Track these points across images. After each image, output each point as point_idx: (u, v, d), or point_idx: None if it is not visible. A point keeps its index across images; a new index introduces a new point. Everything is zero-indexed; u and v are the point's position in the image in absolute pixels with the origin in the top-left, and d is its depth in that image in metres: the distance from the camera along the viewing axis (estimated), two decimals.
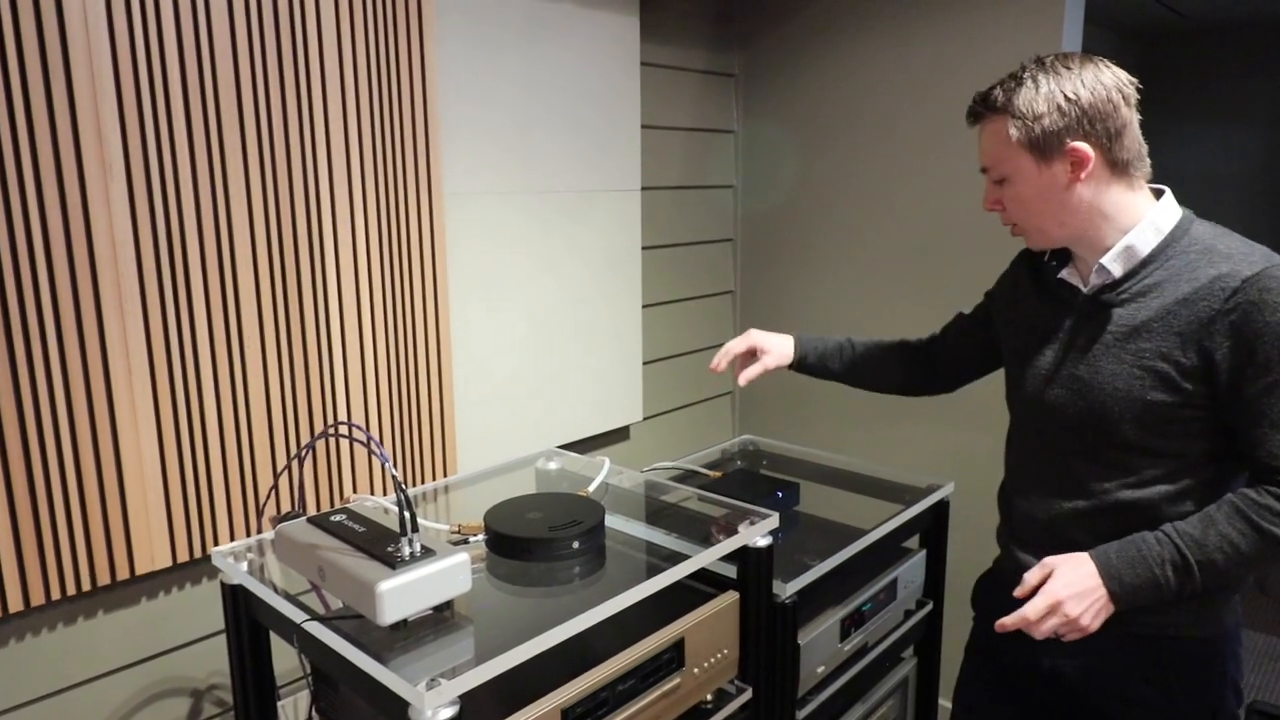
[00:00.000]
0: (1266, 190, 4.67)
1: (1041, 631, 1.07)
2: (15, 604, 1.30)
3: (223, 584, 1.26)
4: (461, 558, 1.07)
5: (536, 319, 2.04)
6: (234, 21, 1.42)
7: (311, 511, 1.60)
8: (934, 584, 1.80)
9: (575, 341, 2.14)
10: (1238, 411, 1.06)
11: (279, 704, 1.40)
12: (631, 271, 2.27)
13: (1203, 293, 1.06)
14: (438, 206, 1.75)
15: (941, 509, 1.79)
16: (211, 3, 1.38)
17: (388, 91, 1.64)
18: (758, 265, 2.66)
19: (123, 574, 1.41)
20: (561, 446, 2.11)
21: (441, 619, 1.10)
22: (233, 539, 1.52)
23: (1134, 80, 1.14)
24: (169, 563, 1.45)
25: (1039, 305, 1.26)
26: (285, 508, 1.57)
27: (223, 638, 1.48)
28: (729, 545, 1.32)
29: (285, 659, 1.51)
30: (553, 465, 1.75)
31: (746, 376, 1.53)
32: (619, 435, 2.37)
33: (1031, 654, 1.26)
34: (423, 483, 1.79)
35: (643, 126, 2.28)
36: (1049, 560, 1.11)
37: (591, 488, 1.55)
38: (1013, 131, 1.11)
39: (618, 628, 1.22)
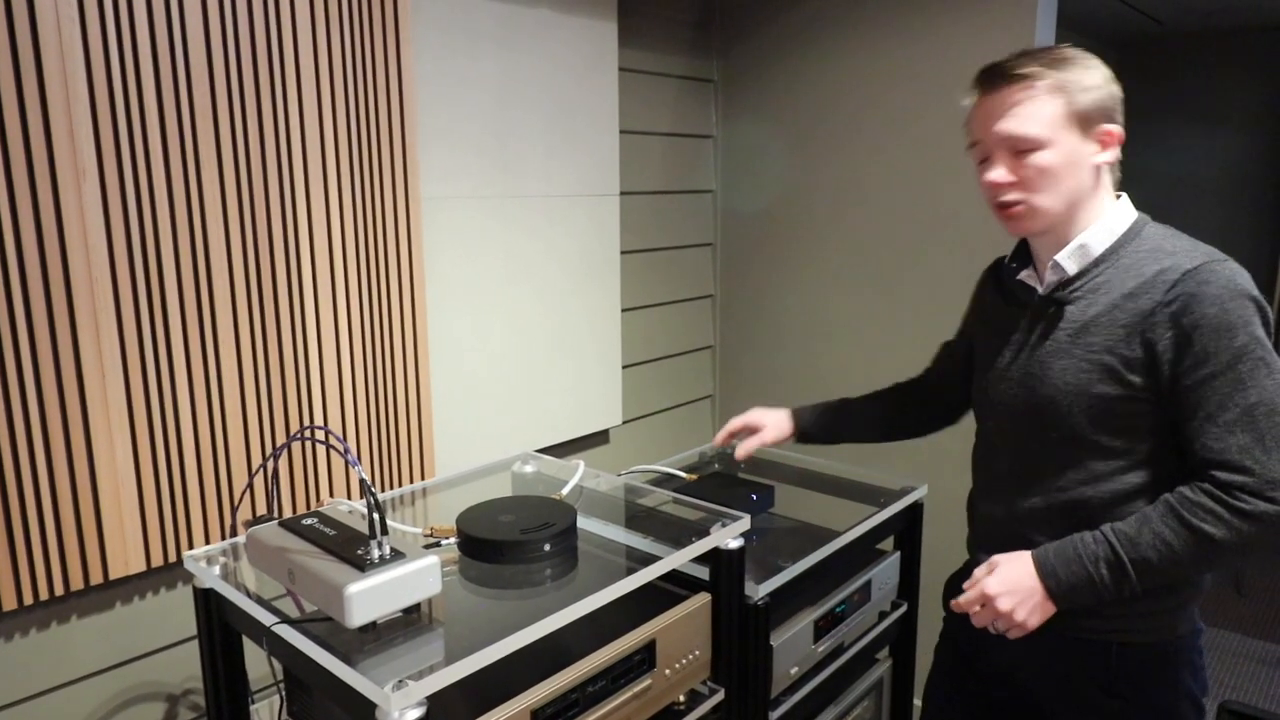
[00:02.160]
0: (1244, 193, 4.72)
1: (978, 623, 1.11)
2: None
3: (195, 588, 1.26)
4: (431, 560, 1.08)
5: (515, 323, 2.05)
6: (208, 24, 1.42)
7: (288, 516, 1.60)
8: (908, 585, 1.82)
9: (554, 345, 2.15)
10: (1177, 404, 1.07)
11: (252, 708, 1.40)
12: (610, 276, 2.28)
13: (1146, 286, 1.08)
14: (415, 211, 1.76)
15: (915, 511, 1.80)
16: (186, 6, 1.39)
17: (364, 95, 1.65)
18: (737, 269, 2.68)
19: (96, 578, 1.41)
20: (541, 450, 2.12)
21: (411, 621, 1.11)
22: (208, 543, 1.52)
23: None
24: (143, 567, 1.45)
25: (1002, 309, 1.29)
26: (261, 512, 1.57)
27: (196, 643, 1.48)
28: (700, 547, 1.33)
29: (261, 664, 1.51)
30: (529, 469, 1.75)
31: (745, 450, 1.60)
32: (598, 439, 2.38)
33: (992, 656, 1.28)
34: (399, 486, 1.79)
35: (621, 131, 2.29)
36: (995, 558, 1.14)
37: (565, 490, 1.56)
38: (1069, 96, 1.11)
39: (589, 629, 1.23)
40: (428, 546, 1.34)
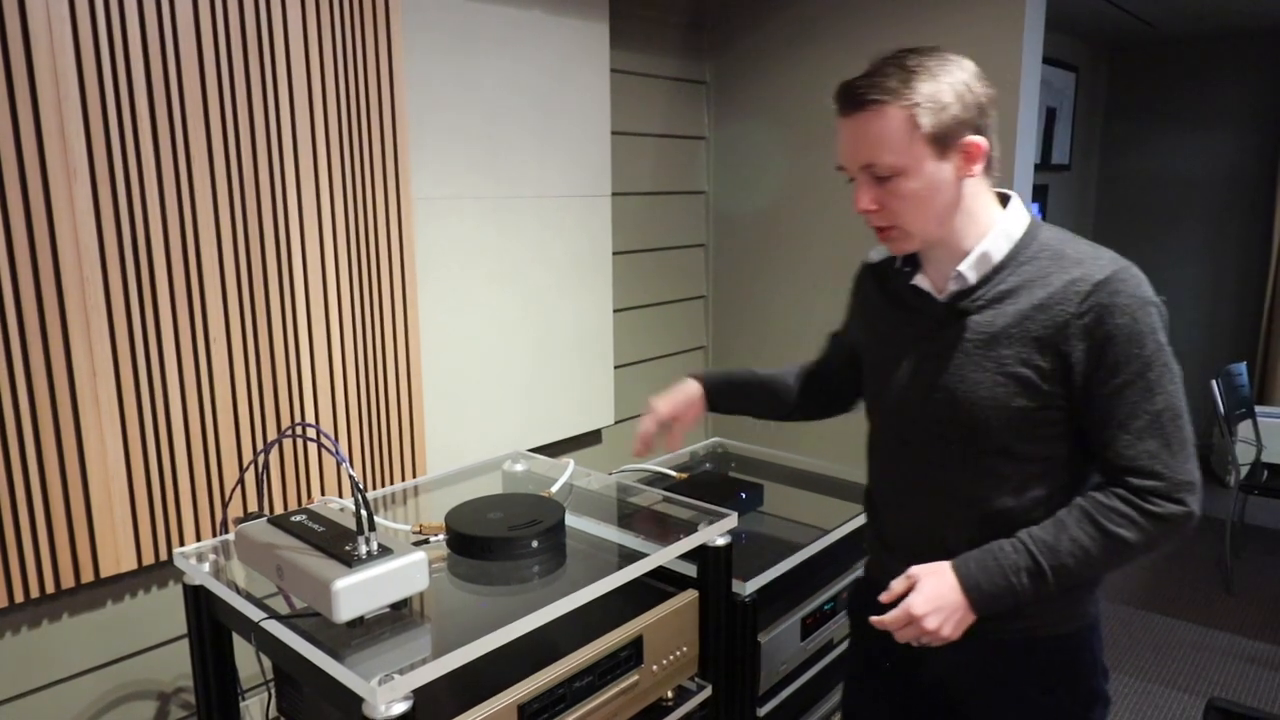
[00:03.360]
0: (1234, 195, 4.75)
1: (901, 639, 1.10)
2: None
3: (185, 585, 1.27)
4: (418, 556, 1.08)
5: (507, 323, 2.06)
6: (199, 22, 1.43)
7: (278, 513, 1.61)
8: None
9: (546, 346, 2.16)
10: (1089, 411, 1.07)
11: (243, 705, 1.41)
12: (603, 276, 2.29)
13: (1057, 297, 1.07)
14: (407, 212, 1.77)
15: None
16: (177, 9, 1.40)
17: (355, 98, 1.66)
18: (730, 270, 2.69)
19: (87, 577, 1.41)
20: (533, 450, 2.13)
21: (399, 617, 1.12)
22: (198, 541, 1.52)
23: None
24: (134, 565, 1.46)
25: (893, 315, 1.24)
26: (252, 510, 1.58)
27: (187, 640, 1.48)
28: (687, 544, 1.34)
29: (252, 662, 1.52)
30: (519, 467, 1.76)
31: (677, 440, 1.49)
32: (591, 438, 2.39)
33: (907, 661, 1.27)
34: (390, 484, 1.80)
35: (614, 133, 2.30)
36: (913, 571, 1.12)
37: (554, 489, 1.57)
38: (921, 121, 1.05)
39: (577, 625, 1.24)
40: (417, 543, 1.35)
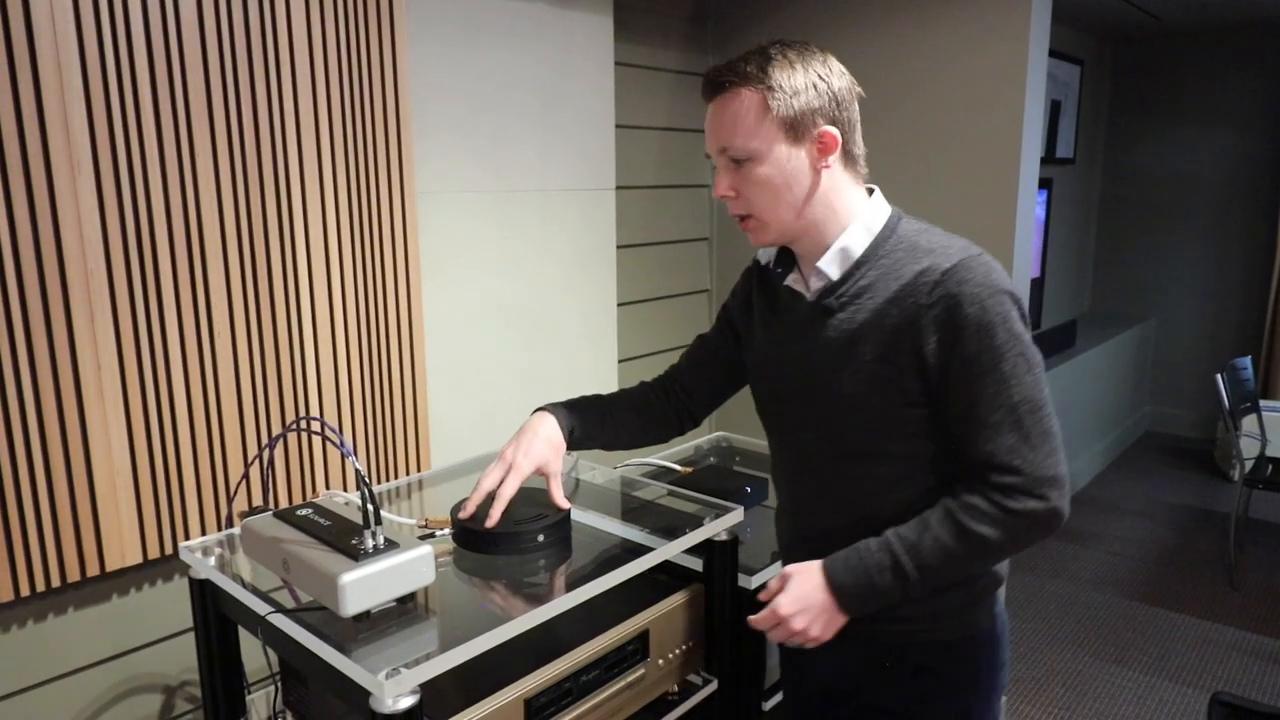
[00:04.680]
0: (1239, 188, 4.73)
1: (773, 639, 1.10)
2: None
3: (190, 579, 1.27)
4: (424, 550, 1.08)
5: (511, 317, 2.05)
6: (203, 16, 1.42)
7: (283, 507, 1.61)
8: None
9: (549, 339, 2.15)
10: (948, 408, 1.05)
11: (249, 699, 1.41)
12: (606, 270, 2.28)
13: (909, 290, 1.05)
14: (410, 206, 1.76)
15: None
16: (180, 5, 1.39)
17: (359, 91, 1.65)
18: (733, 264, 2.69)
19: (93, 570, 1.41)
20: None
21: (405, 610, 1.11)
22: (204, 535, 1.52)
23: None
24: (139, 559, 1.46)
25: (772, 317, 1.21)
26: (257, 503, 1.58)
27: (193, 634, 1.48)
28: (693, 538, 1.34)
29: (258, 656, 1.52)
30: None
31: (561, 499, 1.33)
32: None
33: (803, 666, 1.26)
34: (395, 478, 1.80)
35: (618, 126, 2.30)
36: (786, 570, 1.11)
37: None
38: (773, 105, 1.04)
39: (583, 620, 1.23)
40: (422, 537, 1.34)
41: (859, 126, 1.11)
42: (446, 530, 1.35)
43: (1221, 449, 4.54)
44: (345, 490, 1.71)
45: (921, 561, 1.04)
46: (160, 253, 1.42)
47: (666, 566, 1.39)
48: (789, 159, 1.07)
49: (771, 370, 1.21)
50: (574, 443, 1.35)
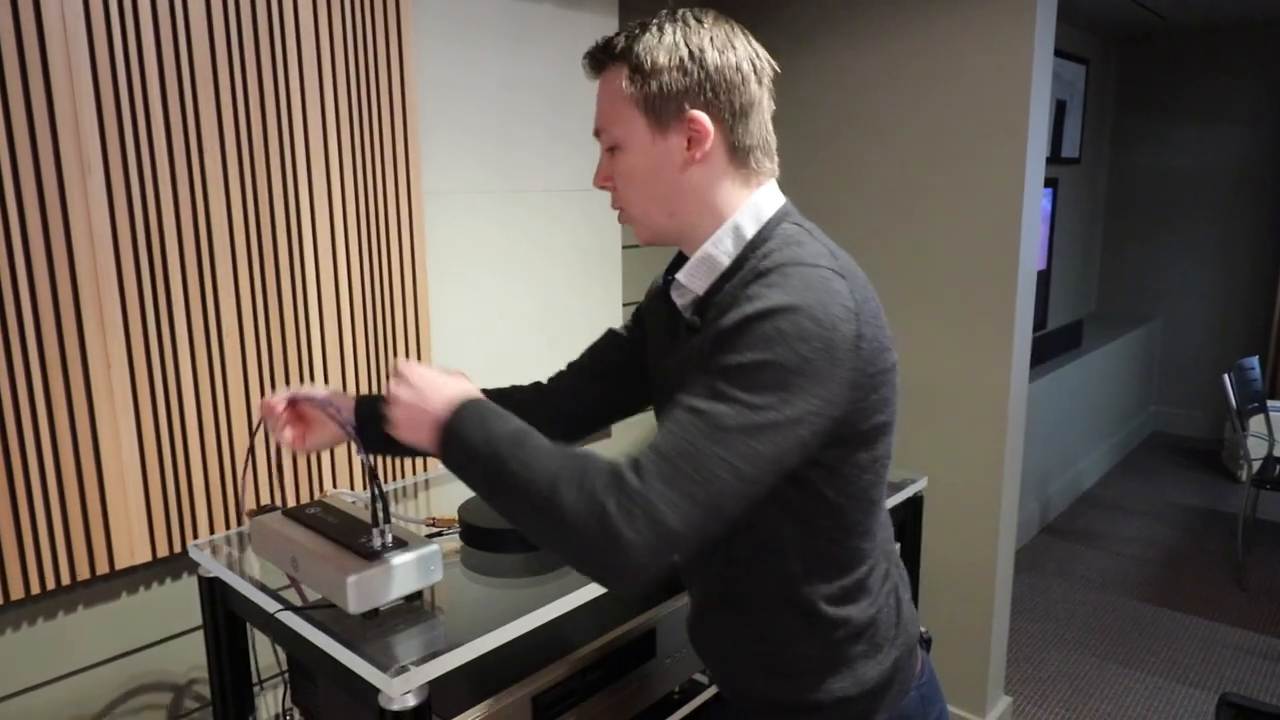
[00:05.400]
0: (1245, 188, 4.72)
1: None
2: None
3: (199, 576, 1.28)
4: (433, 548, 1.09)
5: (516, 317, 2.06)
6: (211, 20, 1.43)
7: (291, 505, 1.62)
8: (909, 577, 1.83)
9: (555, 340, 2.16)
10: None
11: (257, 696, 1.42)
12: (611, 270, 2.29)
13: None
14: (417, 206, 1.77)
15: (915, 503, 1.81)
16: (190, 6, 1.40)
17: (367, 91, 1.66)
18: None
19: (102, 569, 1.42)
20: None
21: (413, 609, 1.12)
22: (212, 534, 1.53)
23: (772, 61, 0.96)
24: (149, 557, 1.47)
25: (660, 326, 1.06)
26: (265, 502, 1.58)
27: (202, 632, 1.49)
28: None
29: (267, 654, 1.53)
30: None
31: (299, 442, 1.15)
32: (600, 432, 2.39)
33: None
34: (401, 478, 1.81)
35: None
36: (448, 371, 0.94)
37: None
38: (625, 85, 0.90)
39: (590, 618, 1.24)
40: (430, 536, 1.35)
41: (758, 113, 0.94)
42: (454, 529, 1.36)
43: (1229, 449, 4.53)
44: (352, 489, 1.72)
45: (506, 457, 0.83)
46: (169, 252, 1.43)
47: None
48: (652, 147, 0.91)
49: (653, 389, 1.09)
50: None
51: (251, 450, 1.54)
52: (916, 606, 1.84)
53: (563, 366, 1.24)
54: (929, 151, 2.22)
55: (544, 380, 1.23)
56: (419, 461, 1.84)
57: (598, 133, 0.97)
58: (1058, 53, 4.12)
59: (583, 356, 1.23)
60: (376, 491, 1.07)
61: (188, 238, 1.45)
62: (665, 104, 0.90)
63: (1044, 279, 4.29)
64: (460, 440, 0.86)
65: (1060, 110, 4.33)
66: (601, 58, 0.94)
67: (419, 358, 1.81)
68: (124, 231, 1.38)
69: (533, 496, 0.81)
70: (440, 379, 0.92)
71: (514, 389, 1.22)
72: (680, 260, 1.01)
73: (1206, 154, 4.78)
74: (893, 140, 2.28)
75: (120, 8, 1.33)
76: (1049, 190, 4.25)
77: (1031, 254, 2.18)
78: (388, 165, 1.71)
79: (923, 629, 1.16)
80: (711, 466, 0.78)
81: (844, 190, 2.40)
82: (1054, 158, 4.33)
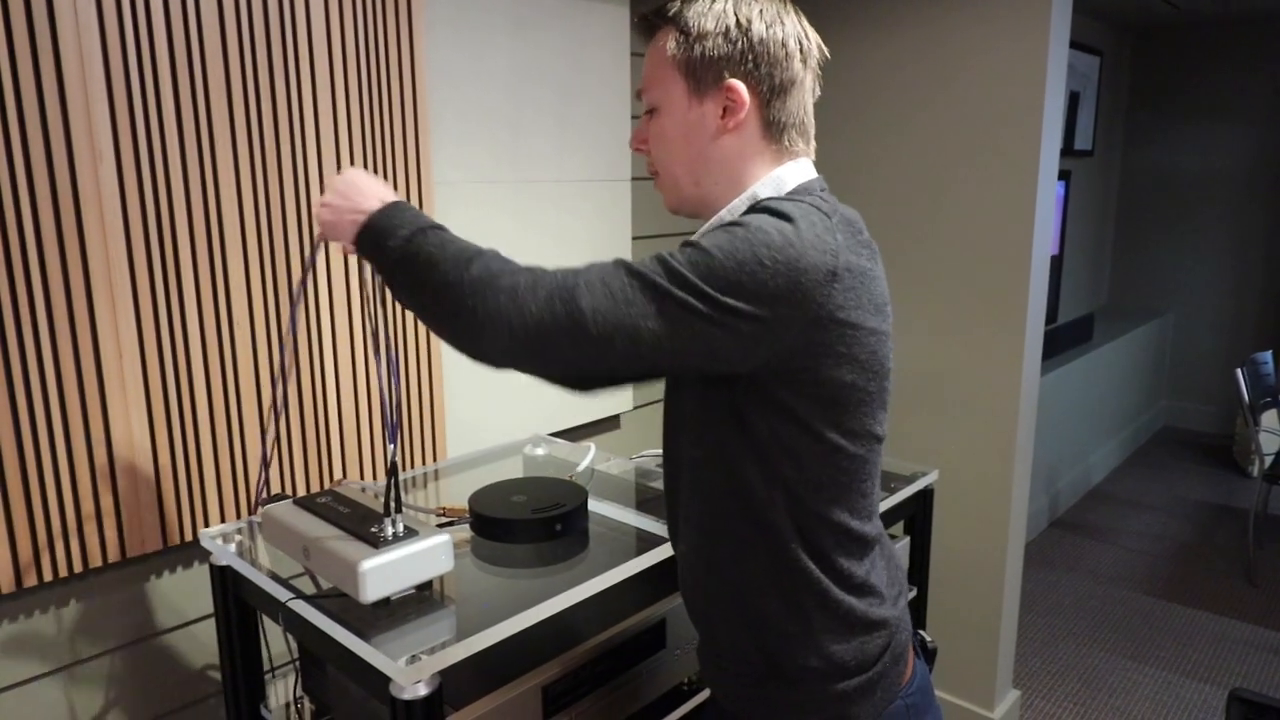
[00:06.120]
0: (1259, 181, 4.68)
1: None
2: (7, 585, 1.32)
3: (211, 565, 1.28)
4: (443, 538, 1.09)
5: None
6: (222, 8, 1.43)
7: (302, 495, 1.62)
8: (918, 570, 1.82)
9: None
10: None
11: (268, 685, 1.42)
12: None
13: None
14: (427, 196, 1.77)
15: (926, 496, 1.80)
16: (202, 4, 1.40)
17: (377, 80, 1.66)
18: None
19: (114, 556, 1.43)
20: (552, 434, 2.13)
21: (424, 598, 1.12)
22: (223, 522, 1.53)
23: (823, 46, 0.97)
24: (160, 546, 1.47)
25: None
26: (276, 491, 1.59)
27: (214, 620, 1.50)
28: None
29: (278, 642, 1.53)
30: (540, 451, 1.77)
31: None
32: (609, 424, 2.39)
33: None
34: (411, 468, 1.81)
35: (633, 117, 2.29)
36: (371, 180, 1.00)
37: (578, 471, 1.57)
38: (671, 46, 0.92)
39: (600, 609, 1.24)
40: (440, 526, 1.35)
41: (798, 92, 0.94)
42: (464, 519, 1.36)
43: (1240, 444, 4.51)
44: (362, 478, 1.72)
45: (426, 240, 0.89)
46: (180, 240, 1.43)
47: None
48: (688, 112, 0.93)
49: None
50: None
51: (273, 436, 1.54)
52: (925, 600, 1.84)
53: None
54: (944, 144, 2.21)
55: None
56: (430, 452, 1.85)
57: (639, 94, 0.99)
58: (1072, 44, 4.08)
59: None
60: (392, 481, 1.07)
61: (199, 226, 1.45)
62: (706, 70, 0.91)
63: (1055, 273, 4.27)
64: (381, 231, 0.92)
65: (1074, 102, 4.29)
66: (654, 20, 0.96)
67: (428, 348, 1.81)
68: (135, 220, 1.38)
69: (448, 268, 0.86)
70: (371, 182, 0.96)
71: None
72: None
73: (1220, 147, 4.74)
74: (907, 133, 2.27)
75: (133, 3, 1.33)
76: (1061, 183, 4.22)
77: (1045, 247, 2.16)
78: (398, 154, 1.71)
79: (928, 638, 1.14)
80: (630, 296, 0.82)
81: (858, 182, 2.38)
82: (1067, 150, 4.30)
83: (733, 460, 0.90)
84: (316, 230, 1.00)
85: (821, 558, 0.92)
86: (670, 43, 0.92)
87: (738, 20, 0.90)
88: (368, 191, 0.97)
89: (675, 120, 0.94)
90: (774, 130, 0.93)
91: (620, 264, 0.85)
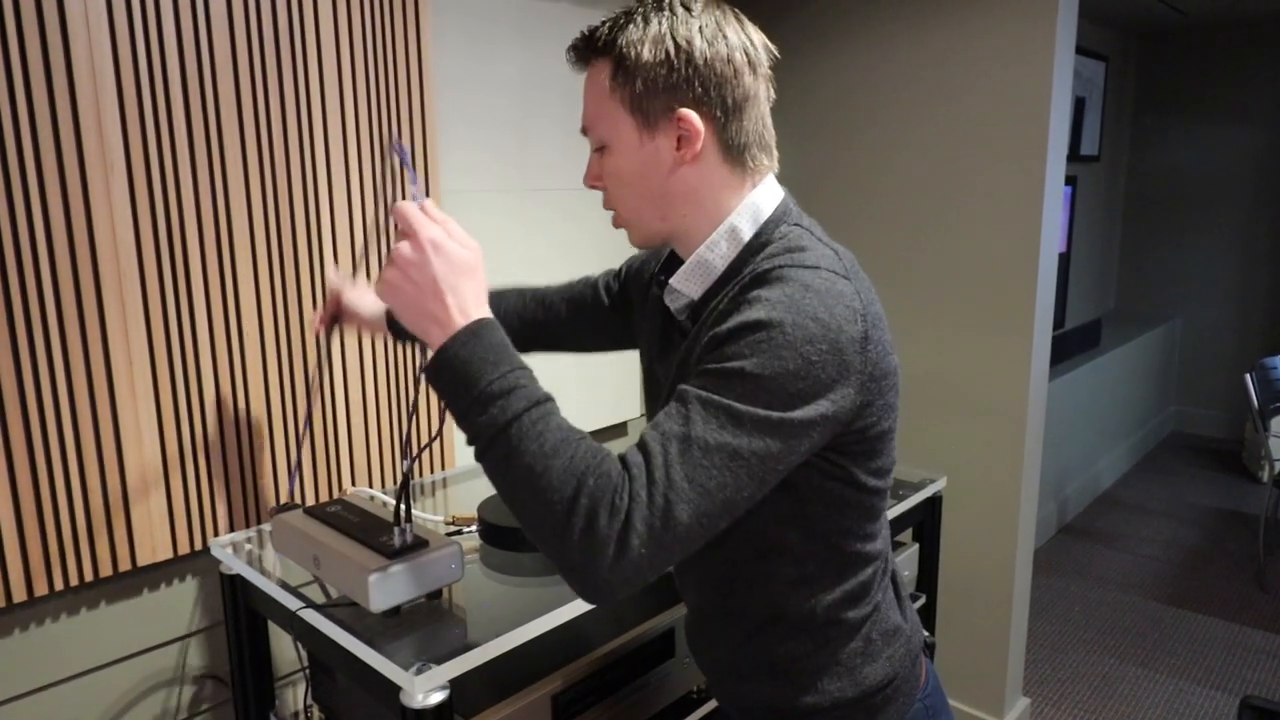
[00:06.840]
0: (1265, 188, 4.67)
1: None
2: (19, 594, 1.33)
3: (221, 574, 1.28)
4: (453, 547, 1.09)
5: None
6: (232, 18, 1.44)
7: (311, 504, 1.62)
8: (928, 577, 1.82)
9: None
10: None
11: (278, 693, 1.42)
12: None
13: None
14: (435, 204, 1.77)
15: (935, 503, 1.80)
16: (212, 10, 1.41)
17: (386, 89, 1.66)
18: None
19: (124, 565, 1.43)
20: None
21: (434, 607, 1.12)
22: (233, 531, 1.54)
23: (770, 46, 0.90)
24: (170, 554, 1.48)
25: (656, 328, 1.01)
26: (285, 500, 1.59)
27: (223, 628, 1.50)
28: None
29: (287, 650, 1.53)
30: None
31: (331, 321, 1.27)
32: (617, 431, 2.39)
33: None
34: (420, 477, 1.81)
35: None
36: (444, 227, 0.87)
37: None
38: (610, 80, 0.84)
39: (609, 617, 1.24)
40: (450, 535, 1.36)
41: (753, 107, 0.87)
42: (473, 527, 1.36)
43: (1249, 450, 4.48)
44: (370, 487, 1.73)
45: (522, 428, 0.79)
46: (190, 251, 1.44)
47: None
48: (641, 149, 0.86)
49: (646, 395, 1.06)
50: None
51: (308, 447, 1.54)
52: (934, 607, 1.84)
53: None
54: (951, 151, 2.21)
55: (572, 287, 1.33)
56: (438, 460, 1.85)
57: (585, 130, 0.91)
58: (1077, 50, 4.08)
59: (566, 293, 1.31)
60: (404, 492, 1.07)
61: (209, 237, 1.46)
62: (651, 103, 0.84)
63: (1062, 277, 4.26)
64: (444, 369, 0.81)
65: (1080, 107, 4.29)
66: (585, 51, 0.88)
67: None
68: (146, 231, 1.39)
69: (528, 475, 0.77)
70: (449, 269, 0.83)
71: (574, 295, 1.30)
72: (672, 260, 0.97)
73: (1226, 152, 4.72)
74: (914, 140, 2.27)
75: (143, 9, 1.34)
76: (1068, 188, 4.22)
77: (1052, 253, 2.16)
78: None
79: (926, 634, 1.15)
80: (721, 461, 0.73)
81: (865, 190, 2.38)
82: (1073, 155, 4.29)
83: (772, 529, 0.87)
84: (376, 287, 0.88)
85: (859, 593, 0.92)
86: (607, 77, 0.85)
87: (676, 44, 0.82)
88: (456, 285, 0.84)
89: (628, 158, 0.88)
90: (734, 152, 0.87)
91: (685, 438, 0.74)
